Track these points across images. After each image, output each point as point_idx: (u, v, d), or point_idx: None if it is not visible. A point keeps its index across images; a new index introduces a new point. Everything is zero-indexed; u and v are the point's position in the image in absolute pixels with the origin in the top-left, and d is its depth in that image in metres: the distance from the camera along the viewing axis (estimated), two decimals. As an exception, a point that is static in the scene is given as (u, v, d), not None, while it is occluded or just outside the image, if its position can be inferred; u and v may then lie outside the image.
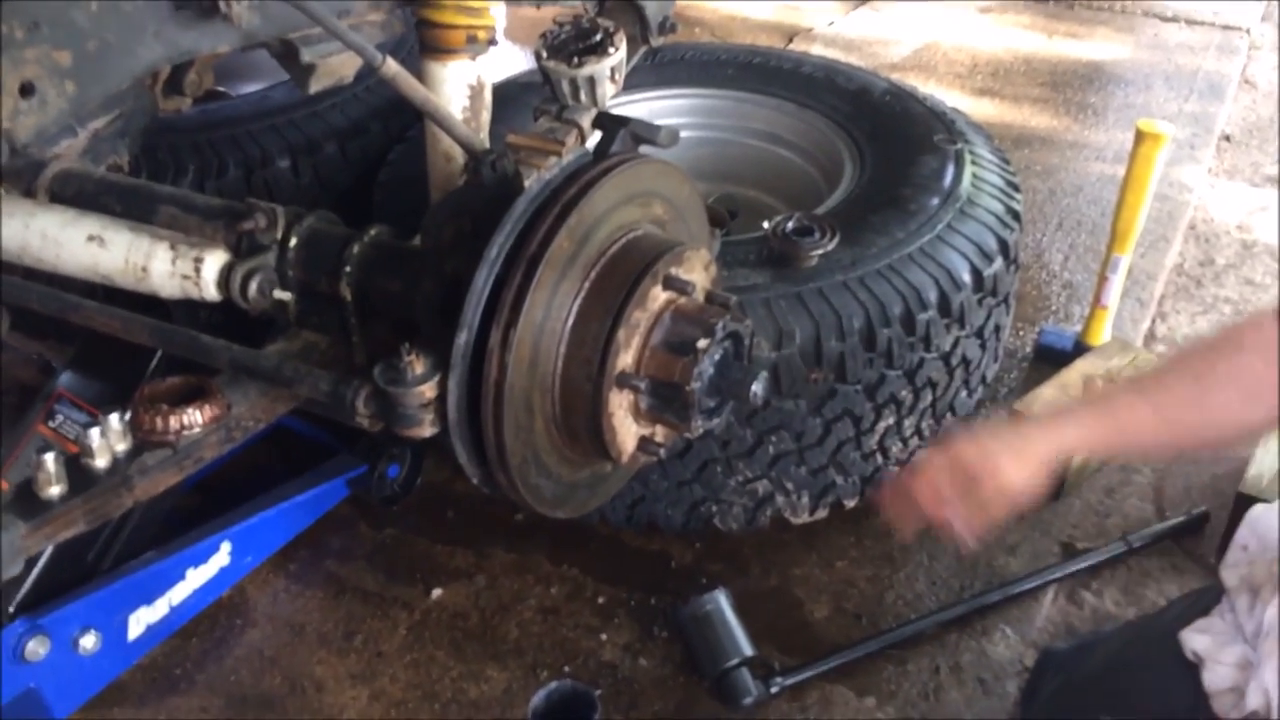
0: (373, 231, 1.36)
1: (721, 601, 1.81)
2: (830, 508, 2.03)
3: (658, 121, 1.49)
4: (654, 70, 2.53)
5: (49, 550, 1.53)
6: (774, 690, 1.76)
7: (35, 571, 1.59)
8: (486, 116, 1.66)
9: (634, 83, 2.02)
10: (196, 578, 1.83)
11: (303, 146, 2.35)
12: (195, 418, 1.24)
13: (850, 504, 2.04)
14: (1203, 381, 1.21)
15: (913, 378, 1.91)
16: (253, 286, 1.32)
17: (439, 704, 1.81)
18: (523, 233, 1.17)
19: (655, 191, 1.33)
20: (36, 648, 1.57)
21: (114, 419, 1.21)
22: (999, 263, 2.00)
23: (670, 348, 1.25)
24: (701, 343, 1.24)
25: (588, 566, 2.04)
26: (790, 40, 4.32)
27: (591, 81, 1.59)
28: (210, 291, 1.33)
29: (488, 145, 1.49)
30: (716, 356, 1.26)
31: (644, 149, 1.41)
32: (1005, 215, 2.07)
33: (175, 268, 1.33)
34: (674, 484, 1.92)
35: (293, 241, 1.35)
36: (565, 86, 1.60)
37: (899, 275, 1.86)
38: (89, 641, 1.65)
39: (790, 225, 1.87)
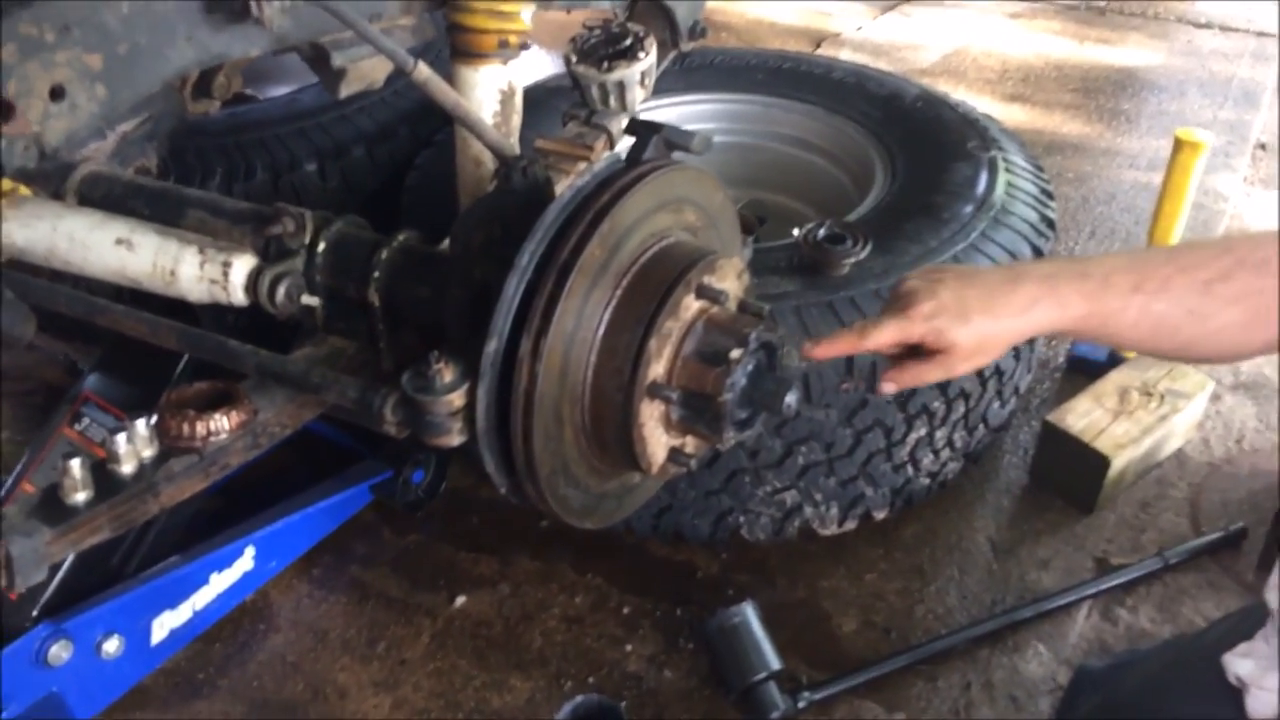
0: (401, 237, 1.34)
1: (749, 614, 1.79)
2: (859, 519, 2.00)
3: (686, 126, 1.47)
4: (683, 75, 2.51)
5: (72, 554, 1.53)
6: (801, 705, 1.73)
7: (59, 576, 1.59)
8: (517, 121, 1.65)
9: (663, 87, 2.00)
10: (220, 582, 1.83)
11: (330, 150, 2.35)
12: (222, 424, 1.22)
13: (880, 516, 2.02)
14: (1212, 295, 1.07)
15: (945, 388, 1.89)
16: (280, 291, 1.30)
17: (462, 713, 1.79)
18: (554, 240, 1.15)
19: (687, 198, 1.31)
20: (60, 652, 1.57)
21: (140, 424, 1.20)
22: (1033, 272, 1.96)
23: (703, 358, 1.22)
24: (734, 353, 1.21)
25: (613, 576, 2.02)
26: (818, 45, 4.30)
27: (621, 86, 1.57)
28: (238, 296, 1.32)
29: (518, 151, 1.47)
30: (749, 367, 1.23)
31: (676, 155, 1.39)
32: (1039, 223, 2.04)
33: (203, 272, 1.32)
34: (701, 493, 1.90)
35: (321, 246, 1.33)
36: (595, 91, 1.59)
37: (932, 284, 1.83)
38: (112, 646, 1.65)
39: (822, 233, 1.85)
